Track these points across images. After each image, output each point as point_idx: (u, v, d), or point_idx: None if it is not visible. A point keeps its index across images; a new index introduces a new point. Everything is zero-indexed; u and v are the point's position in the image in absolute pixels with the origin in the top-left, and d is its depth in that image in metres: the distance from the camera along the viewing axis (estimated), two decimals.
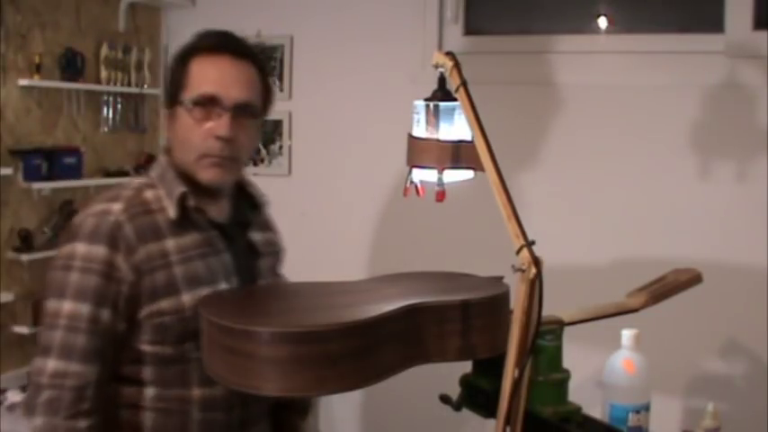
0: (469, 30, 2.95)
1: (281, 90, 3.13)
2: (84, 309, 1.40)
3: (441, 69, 1.44)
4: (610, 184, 2.70)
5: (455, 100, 1.42)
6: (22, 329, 2.82)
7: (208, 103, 1.47)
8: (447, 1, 2.93)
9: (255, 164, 3.14)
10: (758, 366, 2.50)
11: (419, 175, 1.47)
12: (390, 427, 3.06)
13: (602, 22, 2.84)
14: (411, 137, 1.48)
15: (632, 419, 1.61)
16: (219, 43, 1.52)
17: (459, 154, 1.43)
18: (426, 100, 1.47)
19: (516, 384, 1.27)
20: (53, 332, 1.41)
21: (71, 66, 2.97)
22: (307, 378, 1.22)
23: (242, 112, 1.49)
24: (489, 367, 1.45)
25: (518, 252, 1.25)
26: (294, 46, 3.13)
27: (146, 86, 3.27)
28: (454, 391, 1.52)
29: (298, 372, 1.22)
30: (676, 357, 2.48)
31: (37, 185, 2.85)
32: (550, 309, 1.34)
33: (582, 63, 2.76)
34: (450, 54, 1.43)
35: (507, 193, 1.30)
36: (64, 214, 2.98)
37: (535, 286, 1.24)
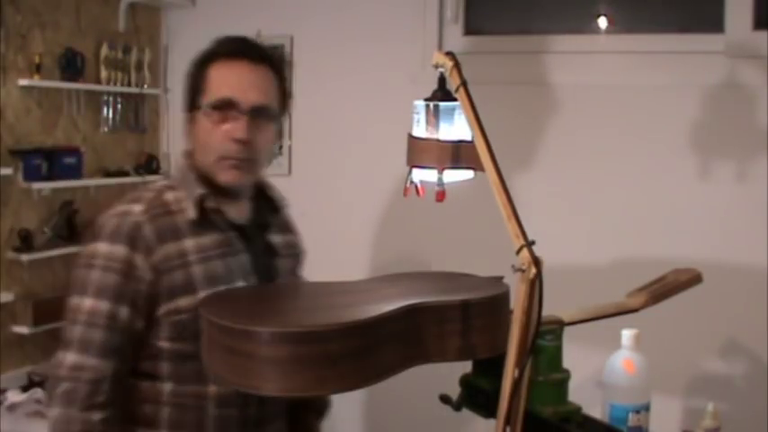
0: (469, 30, 2.95)
1: None
2: (104, 306, 1.47)
3: (441, 69, 1.44)
4: (610, 184, 2.70)
5: (455, 100, 1.42)
6: (22, 329, 2.82)
7: (226, 107, 1.52)
8: (447, 1, 2.93)
9: None
10: (758, 366, 2.50)
11: (419, 175, 1.47)
12: (390, 427, 3.06)
13: (602, 22, 2.84)
14: (411, 137, 1.48)
15: (632, 419, 1.61)
16: (237, 49, 1.57)
17: (459, 154, 1.43)
18: (426, 100, 1.47)
19: (516, 384, 1.27)
20: (74, 327, 1.48)
21: (71, 66, 2.97)
22: (307, 378, 1.22)
23: (259, 115, 1.54)
24: (489, 367, 1.45)
25: (518, 252, 1.25)
26: (294, 46, 3.13)
27: (146, 86, 3.28)
28: (454, 391, 1.52)
29: (298, 372, 1.22)
30: (676, 357, 2.48)
31: (37, 185, 2.85)
32: (550, 309, 1.34)
33: (582, 63, 2.76)
34: (450, 54, 1.43)
35: (507, 193, 1.30)
36: (64, 214, 2.98)
37: (535, 286, 1.24)
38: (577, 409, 1.45)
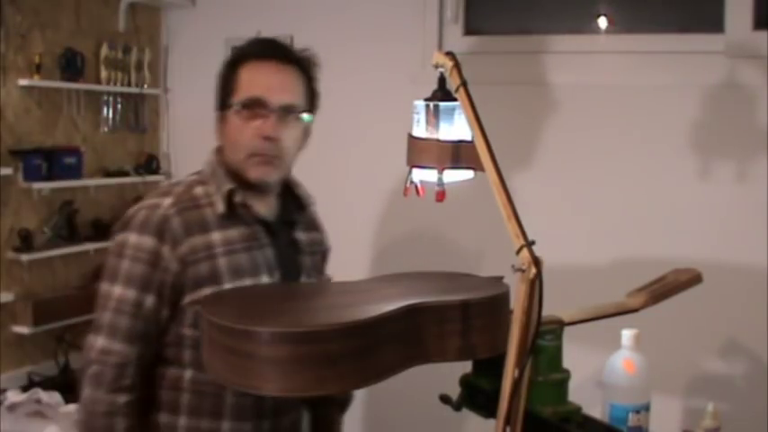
0: (469, 30, 2.95)
1: None
2: (131, 294, 1.54)
3: (441, 69, 1.44)
4: (610, 184, 2.70)
5: (455, 100, 1.42)
6: (22, 329, 2.82)
7: (255, 106, 1.60)
8: (447, 1, 2.93)
9: None
10: (758, 366, 2.50)
11: (419, 175, 1.47)
12: (391, 426, 3.06)
13: (602, 22, 2.84)
14: (411, 137, 1.48)
15: (632, 419, 1.61)
16: (266, 50, 1.66)
17: (459, 154, 1.43)
18: (426, 100, 1.47)
19: (516, 384, 1.27)
20: (104, 313, 1.55)
21: (71, 66, 2.97)
22: (307, 378, 1.22)
23: (287, 113, 1.61)
24: (489, 367, 1.45)
25: (518, 252, 1.25)
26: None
27: (146, 86, 3.28)
28: (454, 391, 1.52)
29: (298, 372, 1.22)
30: (676, 357, 2.48)
31: (37, 185, 2.85)
32: (550, 309, 1.34)
33: (582, 63, 2.76)
34: (450, 54, 1.43)
35: (507, 192, 1.30)
36: (64, 214, 2.98)
37: (535, 286, 1.24)
38: (577, 409, 1.45)
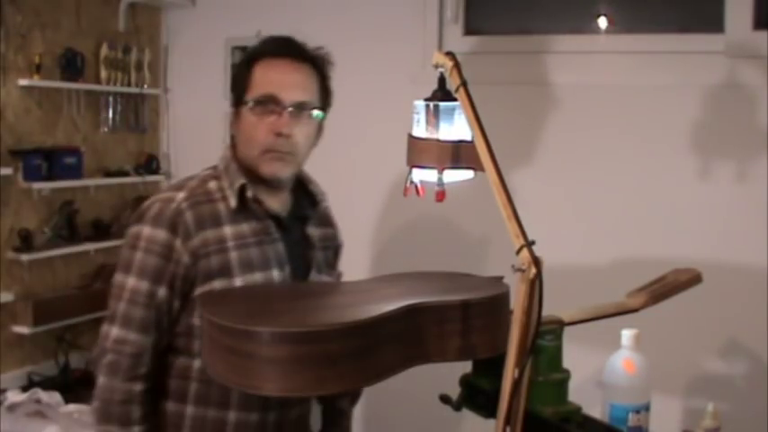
0: (469, 30, 2.95)
1: None
2: (144, 285, 1.57)
3: (441, 69, 1.44)
4: (610, 184, 2.70)
5: (455, 100, 1.42)
6: (22, 329, 2.82)
7: (269, 103, 1.62)
8: (447, 1, 2.93)
9: None
10: (758, 366, 2.50)
11: (419, 175, 1.47)
12: (390, 426, 3.06)
13: (602, 22, 2.84)
14: (411, 137, 1.48)
15: (632, 419, 1.61)
16: (280, 48, 1.67)
17: (459, 154, 1.43)
18: (426, 100, 1.47)
19: (516, 384, 1.27)
20: (118, 303, 1.58)
21: (71, 66, 2.98)
22: (307, 378, 1.22)
23: (300, 110, 1.64)
24: (489, 367, 1.45)
25: (518, 252, 1.25)
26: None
27: (146, 86, 3.28)
28: (454, 391, 1.52)
29: (298, 372, 1.22)
30: (676, 357, 2.48)
31: (37, 185, 2.85)
32: (550, 309, 1.34)
33: (582, 63, 2.76)
34: (450, 54, 1.43)
35: (507, 193, 1.30)
36: (64, 214, 2.98)
37: (535, 286, 1.24)
38: (577, 409, 1.45)
